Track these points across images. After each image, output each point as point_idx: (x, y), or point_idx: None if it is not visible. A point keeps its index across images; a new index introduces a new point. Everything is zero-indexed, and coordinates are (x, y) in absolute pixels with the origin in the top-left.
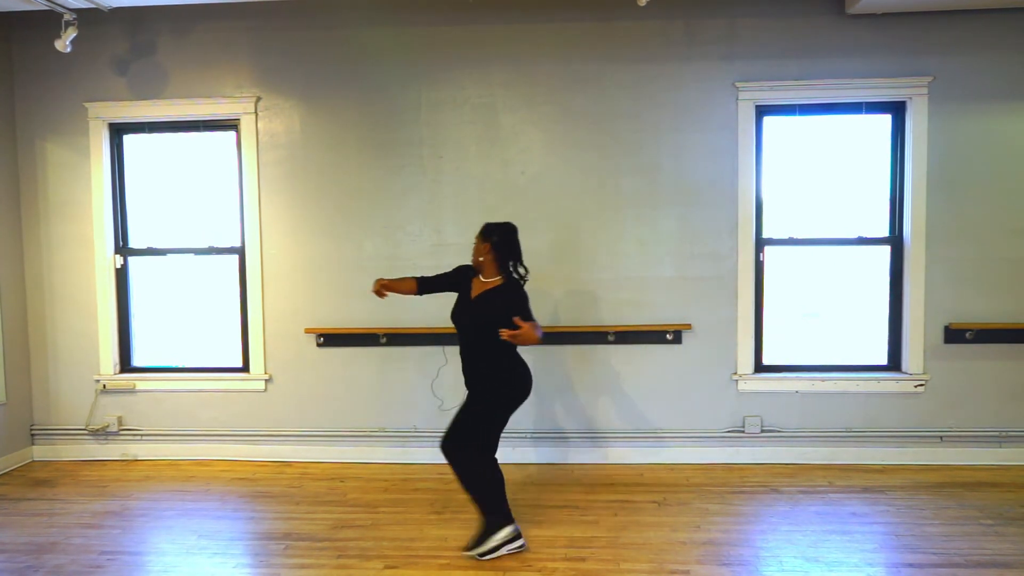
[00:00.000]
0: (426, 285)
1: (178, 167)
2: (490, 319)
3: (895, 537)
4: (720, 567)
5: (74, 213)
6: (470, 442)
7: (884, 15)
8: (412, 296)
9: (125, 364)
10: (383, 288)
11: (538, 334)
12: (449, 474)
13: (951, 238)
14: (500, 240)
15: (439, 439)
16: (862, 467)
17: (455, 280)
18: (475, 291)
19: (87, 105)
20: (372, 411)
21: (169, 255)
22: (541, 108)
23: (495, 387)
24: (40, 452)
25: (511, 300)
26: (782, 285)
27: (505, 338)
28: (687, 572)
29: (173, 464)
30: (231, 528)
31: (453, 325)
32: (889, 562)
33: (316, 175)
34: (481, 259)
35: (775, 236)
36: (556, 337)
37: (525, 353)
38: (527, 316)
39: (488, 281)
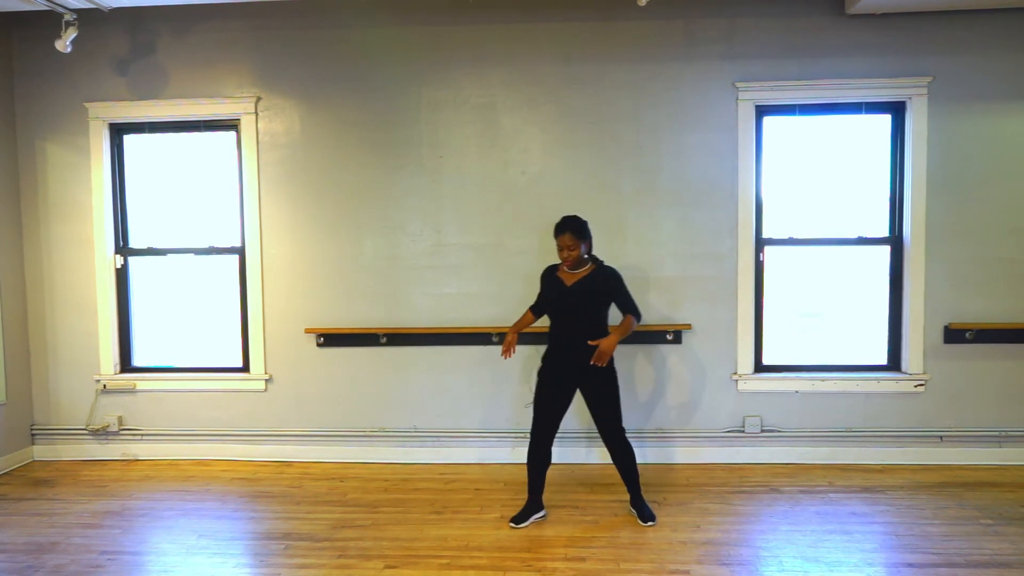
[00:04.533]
0: (538, 310)
1: (178, 167)
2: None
3: (895, 537)
4: (720, 567)
5: (74, 213)
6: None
7: (884, 15)
8: (410, 296)
9: (125, 364)
10: (512, 344)
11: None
12: (449, 473)
13: (951, 238)
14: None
15: (440, 439)
16: (862, 467)
17: (545, 285)
18: (569, 281)
19: (87, 105)
20: (372, 411)
21: (169, 255)
22: (541, 108)
23: (612, 365)
24: (40, 452)
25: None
26: (782, 285)
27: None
28: (687, 572)
29: (173, 464)
30: (231, 528)
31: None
32: (889, 562)
33: (316, 175)
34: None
35: (775, 236)
36: None
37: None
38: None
39: (581, 271)
